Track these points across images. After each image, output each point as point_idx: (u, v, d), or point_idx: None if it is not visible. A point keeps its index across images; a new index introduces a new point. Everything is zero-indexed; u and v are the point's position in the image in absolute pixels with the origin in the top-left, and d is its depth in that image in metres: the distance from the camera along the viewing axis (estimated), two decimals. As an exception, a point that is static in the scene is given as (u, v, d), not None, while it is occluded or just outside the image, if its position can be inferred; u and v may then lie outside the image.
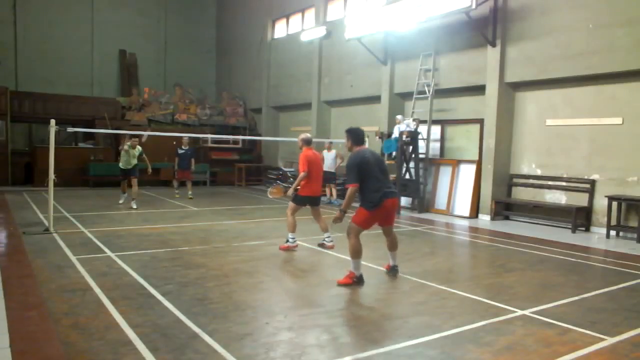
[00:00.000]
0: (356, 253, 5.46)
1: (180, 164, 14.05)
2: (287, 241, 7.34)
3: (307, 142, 7.46)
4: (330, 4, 17.01)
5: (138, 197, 11.94)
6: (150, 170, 12.44)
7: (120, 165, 11.94)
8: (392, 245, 5.96)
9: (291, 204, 7.41)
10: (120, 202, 12.06)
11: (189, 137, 14.35)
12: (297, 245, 7.36)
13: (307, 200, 7.39)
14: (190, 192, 14.00)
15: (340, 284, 5.44)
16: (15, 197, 13.17)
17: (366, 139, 6.40)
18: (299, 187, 7.38)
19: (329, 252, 7.31)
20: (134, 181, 11.75)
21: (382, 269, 6.20)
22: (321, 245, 7.58)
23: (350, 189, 5.44)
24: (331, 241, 7.53)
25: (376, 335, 4.18)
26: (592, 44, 9.59)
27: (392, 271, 6.00)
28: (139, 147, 11.99)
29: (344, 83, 16.11)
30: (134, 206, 11.44)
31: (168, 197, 14.15)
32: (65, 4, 20.60)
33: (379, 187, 5.46)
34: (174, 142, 16.67)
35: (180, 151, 14.05)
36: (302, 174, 7.24)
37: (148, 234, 8.38)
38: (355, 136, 5.78)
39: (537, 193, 11.03)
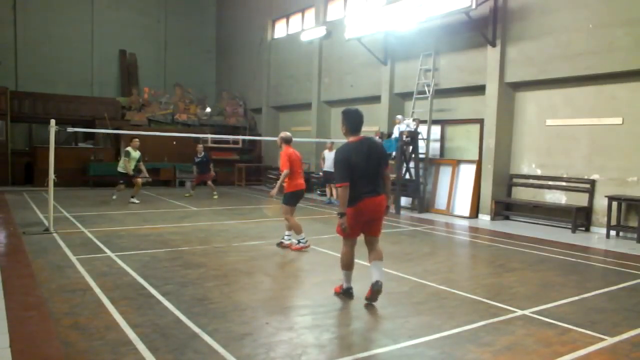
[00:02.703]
0: (344, 264, 4.99)
1: (199, 170, 14.36)
2: (299, 242, 7.32)
3: (287, 141, 7.40)
4: (330, 4, 17.01)
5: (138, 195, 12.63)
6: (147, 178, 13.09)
7: (122, 169, 12.28)
8: (375, 255, 4.93)
9: (284, 207, 7.31)
10: (114, 197, 12.43)
11: (203, 145, 14.85)
12: (309, 245, 7.37)
13: (297, 195, 7.30)
14: (215, 193, 14.21)
15: (334, 292, 5.16)
16: (15, 197, 13.17)
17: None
18: (284, 184, 7.29)
19: (329, 251, 7.29)
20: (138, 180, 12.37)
21: (382, 269, 6.16)
22: (279, 243, 7.56)
23: (341, 188, 4.68)
24: (289, 240, 7.46)
25: (376, 335, 4.18)
26: (592, 44, 9.59)
27: (375, 286, 4.76)
28: (138, 151, 12.40)
29: (344, 83, 16.11)
30: (137, 201, 12.14)
31: (168, 197, 14.15)
32: (65, 4, 20.60)
33: (362, 186, 4.69)
34: (174, 142, 16.70)
35: (197, 159, 14.36)
36: (284, 172, 7.18)
37: (148, 234, 8.38)
38: (351, 120, 4.88)
39: (537, 193, 11.03)
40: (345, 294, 5.04)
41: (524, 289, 5.61)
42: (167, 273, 5.84)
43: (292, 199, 7.30)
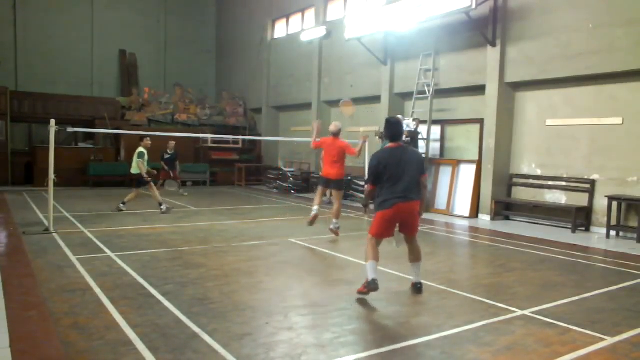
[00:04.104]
0: (370, 256, 5.08)
1: (169, 167, 14.48)
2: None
3: (331, 133, 8.41)
4: (330, 4, 17.02)
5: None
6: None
7: (136, 171, 11.03)
8: (414, 256, 5.36)
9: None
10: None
11: (174, 142, 14.64)
12: (315, 215, 8.26)
13: (322, 180, 8.53)
14: (182, 190, 14.80)
15: (358, 292, 5.09)
16: (15, 197, 13.17)
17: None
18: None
19: (329, 251, 7.31)
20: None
21: (382, 269, 6.16)
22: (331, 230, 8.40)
23: (366, 188, 5.36)
24: (337, 227, 8.36)
25: (376, 335, 4.18)
26: (592, 44, 9.59)
27: (414, 289, 5.34)
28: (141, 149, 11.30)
29: (344, 83, 16.11)
30: (124, 208, 10.98)
31: (168, 197, 14.14)
32: (65, 4, 20.60)
33: (394, 190, 4.98)
34: (174, 143, 16.73)
35: (166, 156, 14.40)
36: (312, 142, 8.65)
37: (148, 234, 8.38)
38: (388, 129, 5.27)
39: (537, 193, 11.03)
40: (371, 285, 4.91)
41: (524, 289, 5.60)
42: (167, 273, 5.84)
43: (319, 181, 8.74)
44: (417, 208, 5.15)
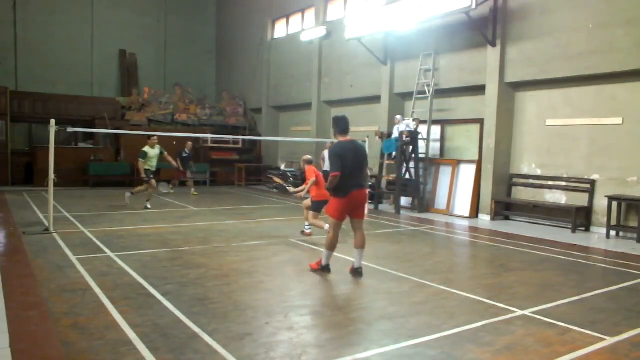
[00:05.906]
0: (329, 245, 5.85)
1: (183, 166, 14.72)
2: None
3: (308, 162, 8.43)
4: (330, 4, 17.02)
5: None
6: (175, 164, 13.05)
7: (147, 167, 11.42)
8: (359, 242, 5.87)
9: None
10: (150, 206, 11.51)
11: (192, 143, 15.17)
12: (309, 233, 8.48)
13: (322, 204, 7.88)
14: (193, 189, 15.17)
15: (311, 268, 6.06)
16: (15, 197, 13.16)
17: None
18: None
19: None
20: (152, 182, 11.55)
21: (382, 268, 6.20)
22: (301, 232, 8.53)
23: (334, 177, 5.57)
24: (309, 229, 8.42)
25: (376, 335, 4.17)
26: (592, 44, 9.59)
27: (356, 273, 5.89)
28: (157, 146, 11.65)
29: (344, 83, 16.11)
30: (149, 206, 11.48)
31: (168, 196, 14.15)
32: (65, 4, 20.60)
33: (350, 179, 5.60)
34: (174, 142, 16.78)
35: (184, 154, 14.73)
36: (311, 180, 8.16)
37: (148, 234, 8.38)
38: (338, 125, 5.88)
39: (537, 193, 11.03)
40: (324, 269, 5.94)
41: (524, 289, 5.61)
42: (167, 273, 5.84)
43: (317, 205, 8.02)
44: (366, 196, 5.92)
